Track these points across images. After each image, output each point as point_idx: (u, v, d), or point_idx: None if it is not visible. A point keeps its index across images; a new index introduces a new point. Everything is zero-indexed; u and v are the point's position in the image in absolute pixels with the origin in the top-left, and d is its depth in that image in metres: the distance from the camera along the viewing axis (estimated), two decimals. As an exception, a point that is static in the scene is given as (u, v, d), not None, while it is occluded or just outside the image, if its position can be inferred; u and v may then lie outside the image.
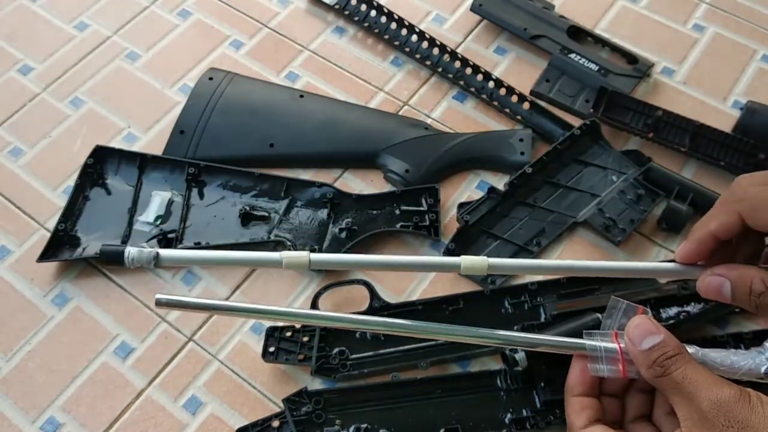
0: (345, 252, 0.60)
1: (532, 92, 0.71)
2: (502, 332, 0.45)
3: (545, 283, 0.58)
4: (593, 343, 0.44)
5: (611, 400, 0.46)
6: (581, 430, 0.45)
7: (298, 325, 0.56)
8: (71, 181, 0.64)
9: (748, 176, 0.45)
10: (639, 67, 0.71)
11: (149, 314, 0.59)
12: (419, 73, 0.73)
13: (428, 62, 0.72)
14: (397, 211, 0.63)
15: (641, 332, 0.42)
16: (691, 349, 0.43)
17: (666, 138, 0.66)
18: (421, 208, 0.63)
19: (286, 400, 0.52)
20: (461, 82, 0.71)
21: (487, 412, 0.53)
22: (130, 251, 0.43)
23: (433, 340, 0.56)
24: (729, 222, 0.43)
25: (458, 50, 0.73)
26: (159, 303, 0.43)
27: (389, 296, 0.58)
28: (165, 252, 0.44)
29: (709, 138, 0.66)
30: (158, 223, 0.62)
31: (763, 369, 0.43)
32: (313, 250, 0.60)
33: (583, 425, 0.45)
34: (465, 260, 0.45)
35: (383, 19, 0.75)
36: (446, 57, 0.72)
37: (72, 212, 0.62)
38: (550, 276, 0.58)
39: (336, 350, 0.55)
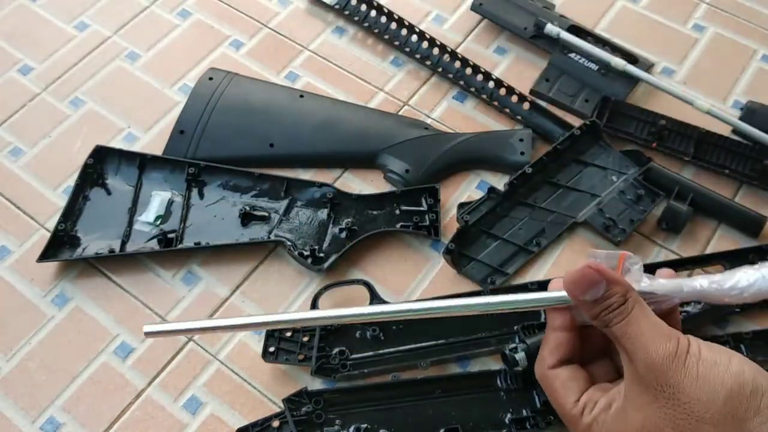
0: (345, 252, 0.60)
1: (531, 92, 0.71)
2: (470, 300, 0.46)
3: (544, 283, 0.58)
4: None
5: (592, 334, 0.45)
6: (550, 370, 0.44)
7: (298, 326, 0.56)
8: (71, 181, 0.64)
9: None
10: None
11: (149, 314, 0.59)
12: (419, 73, 0.73)
13: (428, 62, 0.72)
14: (397, 211, 0.63)
15: (582, 284, 0.40)
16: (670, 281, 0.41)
17: (670, 147, 0.66)
18: (421, 208, 0.63)
19: (286, 400, 0.52)
20: (461, 82, 0.71)
21: (487, 412, 0.52)
22: None
23: (432, 338, 0.56)
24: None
25: (458, 50, 0.73)
26: (148, 334, 0.43)
27: (389, 296, 0.58)
28: None
29: (714, 144, 0.65)
30: (158, 223, 0.62)
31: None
32: (313, 250, 0.60)
33: (552, 364, 0.44)
34: None
35: (383, 19, 0.75)
36: (446, 57, 0.72)
37: (72, 212, 0.62)
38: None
39: (336, 350, 0.55)
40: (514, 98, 0.70)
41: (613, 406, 0.41)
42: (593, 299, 0.40)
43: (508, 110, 0.69)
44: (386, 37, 0.74)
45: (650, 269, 0.46)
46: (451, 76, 0.71)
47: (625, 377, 0.40)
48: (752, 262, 0.59)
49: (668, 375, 0.37)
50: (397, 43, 0.74)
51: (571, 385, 0.43)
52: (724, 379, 0.37)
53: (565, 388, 0.43)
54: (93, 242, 0.61)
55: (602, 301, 0.40)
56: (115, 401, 0.55)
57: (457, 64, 0.72)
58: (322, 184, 0.64)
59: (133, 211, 0.62)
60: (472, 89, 0.71)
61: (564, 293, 0.43)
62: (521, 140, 0.66)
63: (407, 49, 0.73)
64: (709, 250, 0.62)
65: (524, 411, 0.52)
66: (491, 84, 0.70)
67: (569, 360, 0.45)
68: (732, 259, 0.60)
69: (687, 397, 0.37)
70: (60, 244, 0.60)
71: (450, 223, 0.63)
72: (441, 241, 0.62)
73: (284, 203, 0.63)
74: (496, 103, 0.70)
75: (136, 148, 0.68)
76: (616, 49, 0.73)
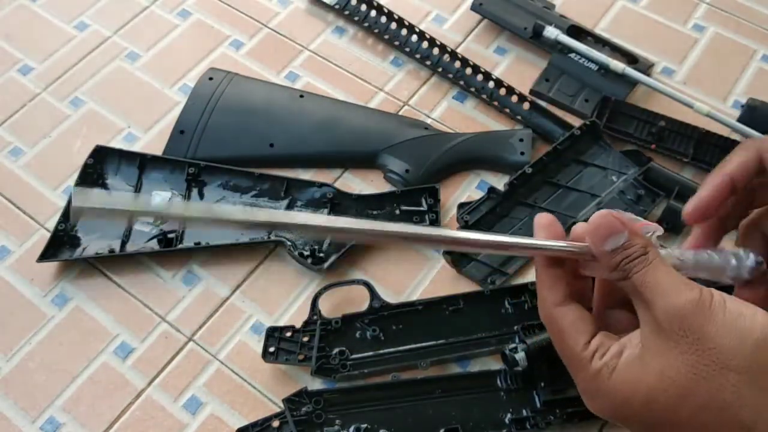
0: (345, 252, 0.60)
1: (531, 92, 0.71)
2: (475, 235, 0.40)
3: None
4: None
5: (584, 282, 0.43)
6: (556, 308, 0.41)
7: (298, 325, 0.56)
8: (71, 181, 0.64)
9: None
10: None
11: (149, 314, 0.59)
12: (419, 73, 0.73)
13: (428, 62, 0.72)
14: (397, 211, 0.63)
15: (605, 231, 0.39)
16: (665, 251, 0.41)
17: (670, 147, 0.66)
18: (421, 208, 0.63)
19: (286, 400, 0.52)
20: (461, 82, 0.71)
21: (487, 412, 0.53)
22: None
23: (432, 338, 0.56)
24: (748, 160, 0.41)
25: (458, 50, 0.73)
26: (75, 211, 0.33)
27: (389, 296, 0.58)
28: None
29: (714, 144, 0.65)
30: (158, 223, 0.62)
31: (729, 272, 0.42)
32: (313, 250, 0.60)
33: (557, 302, 0.41)
34: None
35: (383, 19, 0.75)
36: (446, 57, 0.72)
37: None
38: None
39: (336, 350, 0.55)
40: (514, 98, 0.70)
41: (625, 353, 0.39)
42: (613, 248, 0.39)
43: (508, 110, 0.69)
44: (386, 37, 0.74)
45: None
46: (451, 76, 0.71)
47: (641, 327, 0.39)
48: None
49: (691, 320, 0.36)
50: (397, 43, 0.74)
51: (581, 326, 0.40)
52: (753, 328, 0.36)
53: (575, 328, 0.40)
54: (93, 242, 0.61)
55: (622, 250, 0.39)
56: (115, 401, 0.55)
57: (457, 64, 0.72)
58: (322, 184, 0.64)
59: (133, 211, 0.62)
60: (472, 89, 0.71)
61: (575, 244, 0.41)
62: (521, 140, 0.66)
63: (407, 49, 0.73)
64: (709, 250, 0.62)
65: (524, 411, 0.52)
66: (491, 84, 0.70)
67: (570, 298, 0.42)
68: (732, 259, 0.60)
69: (712, 342, 0.36)
70: (60, 244, 0.60)
71: (450, 223, 0.63)
72: (441, 241, 0.62)
73: (284, 203, 0.63)
74: (496, 103, 0.70)
75: (136, 148, 0.68)
76: (616, 49, 0.73)
